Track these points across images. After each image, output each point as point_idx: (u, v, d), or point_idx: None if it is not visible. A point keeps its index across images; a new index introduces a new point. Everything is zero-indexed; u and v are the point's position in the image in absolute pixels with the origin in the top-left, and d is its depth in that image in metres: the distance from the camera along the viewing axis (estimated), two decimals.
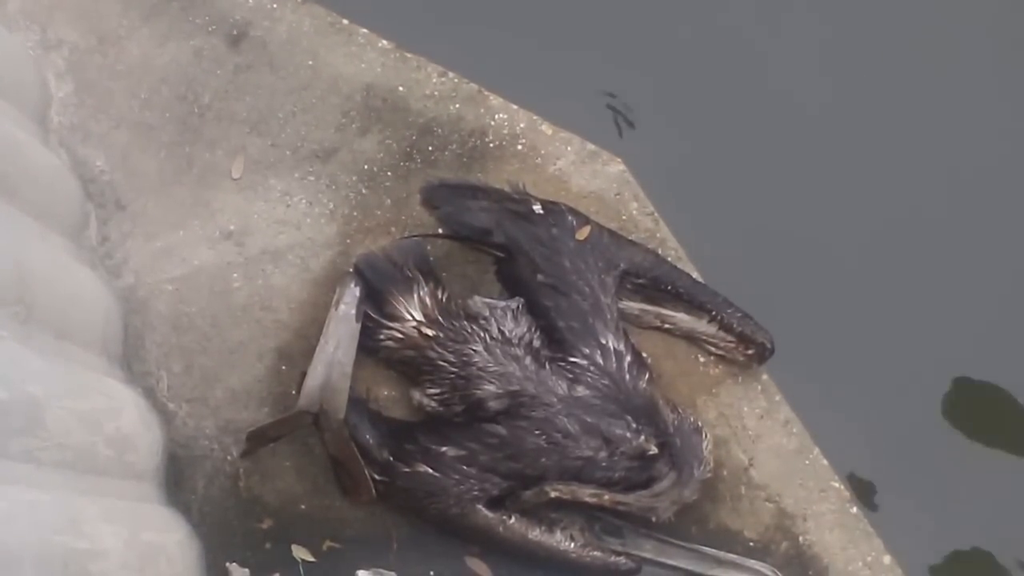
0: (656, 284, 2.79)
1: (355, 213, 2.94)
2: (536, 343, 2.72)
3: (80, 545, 2.28)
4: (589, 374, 2.66)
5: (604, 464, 2.61)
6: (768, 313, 2.75)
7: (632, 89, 3.20)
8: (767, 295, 2.84)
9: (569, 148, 2.96)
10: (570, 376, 2.66)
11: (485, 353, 2.69)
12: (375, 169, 2.96)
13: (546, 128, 2.97)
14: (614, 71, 3.21)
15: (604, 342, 2.68)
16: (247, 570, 2.72)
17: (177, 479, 2.82)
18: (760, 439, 2.77)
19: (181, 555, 2.66)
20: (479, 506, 2.66)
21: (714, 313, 2.77)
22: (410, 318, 2.77)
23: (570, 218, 2.79)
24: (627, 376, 2.66)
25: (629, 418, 2.62)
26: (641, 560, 2.68)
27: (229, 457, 2.83)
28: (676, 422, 2.64)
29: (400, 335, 2.77)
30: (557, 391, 2.64)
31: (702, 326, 2.79)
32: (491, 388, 2.66)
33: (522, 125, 2.97)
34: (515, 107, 2.98)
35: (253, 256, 2.93)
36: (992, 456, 2.99)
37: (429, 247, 2.87)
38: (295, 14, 3.08)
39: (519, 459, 2.63)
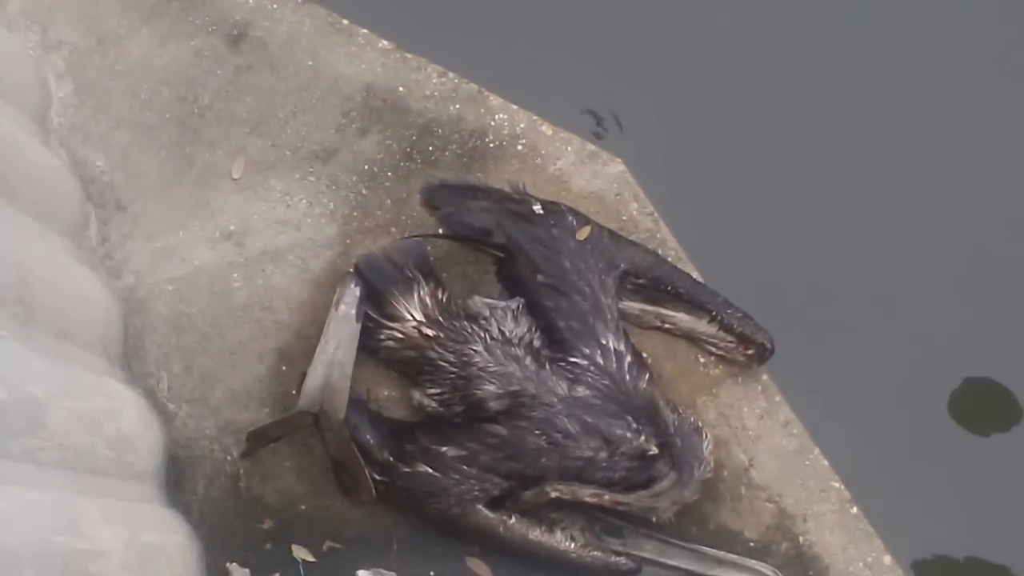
0: (656, 284, 2.79)
1: (355, 213, 2.94)
2: (536, 343, 2.72)
3: (80, 545, 2.28)
4: (589, 374, 2.66)
5: (604, 464, 2.61)
6: (768, 313, 2.75)
7: (632, 89, 3.20)
8: (767, 295, 2.84)
9: (569, 148, 2.96)
10: (570, 376, 2.66)
11: (485, 353, 2.69)
12: (375, 169, 2.96)
13: (546, 128, 2.97)
14: (614, 71, 3.21)
15: (604, 342, 2.68)
16: (247, 570, 2.72)
17: (177, 480, 2.82)
18: (760, 439, 2.77)
19: (181, 555, 2.66)
20: (479, 506, 2.66)
21: (714, 313, 2.77)
22: (410, 318, 2.77)
23: (570, 218, 2.79)
24: (627, 376, 2.66)
25: (629, 418, 2.62)
26: (641, 560, 2.68)
27: (229, 458, 2.83)
28: (676, 422, 2.64)
29: (400, 335, 2.77)
30: (557, 391, 2.64)
31: (702, 326, 2.79)
32: (491, 388, 2.66)
33: (522, 125, 2.97)
34: (515, 107, 2.98)
35: (253, 256, 2.93)
36: (993, 456, 2.98)
37: (429, 247, 2.87)
38: (295, 14, 3.08)
39: (519, 459, 2.63)
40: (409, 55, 3.04)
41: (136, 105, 3.04)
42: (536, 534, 2.67)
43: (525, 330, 2.73)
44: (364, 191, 2.95)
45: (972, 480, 2.92)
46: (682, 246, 2.89)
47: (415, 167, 2.95)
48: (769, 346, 2.75)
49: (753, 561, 2.68)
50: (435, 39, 3.08)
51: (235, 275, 2.92)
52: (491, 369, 2.68)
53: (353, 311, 2.78)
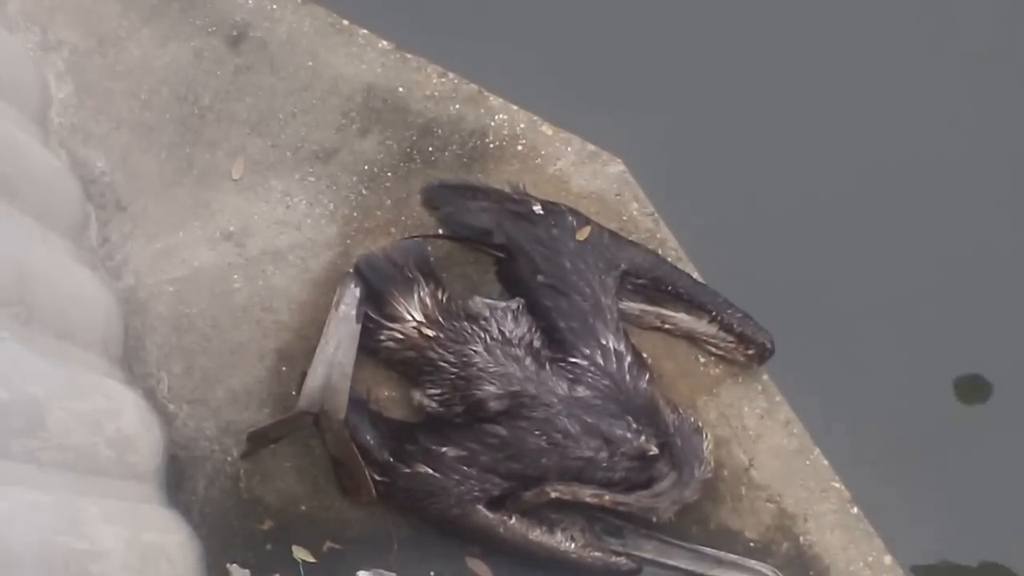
0: (656, 284, 2.79)
1: (355, 214, 2.94)
2: (536, 343, 2.72)
3: (81, 546, 2.28)
4: (589, 374, 2.66)
5: (604, 464, 2.61)
6: (768, 313, 2.75)
7: (632, 89, 3.20)
8: (767, 295, 2.84)
9: (569, 148, 2.96)
10: (570, 376, 2.66)
11: (485, 354, 2.69)
12: (375, 170, 2.96)
13: (546, 128, 2.97)
14: (614, 72, 3.21)
15: (604, 342, 2.68)
16: (248, 571, 2.72)
17: (178, 480, 2.82)
18: (761, 439, 2.77)
19: (182, 556, 2.66)
20: (479, 507, 2.66)
21: (714, 313, 2.77)
22: (410, 319, 2.77)
23: (570, 218, 2.79)
24: (627, 376, 2.66)
25: (630, 418, 2.62)
26: (642, 560, 2.68)
27: (230, 458, 2.83)
28: (676, 422, 2.64)
29: (400, 336, 2.77)
30: (557, 391, 2.64)
31: (702, 326, 2.79)
32: (491, 389, 2.66)
33: (522, 125, 2.97)
34: (515, 107, 2.98)
35: (253, 257, 2.93)
36: (993, 456, 2.98)
37: (429, 247, 2.87)
38: (295, 15, 3.08)
39: (519, 459, 2.63)
40: (409, 55, 3.04)
41: (136, 106, 3.04)
42: (536, 534, 2.67)
43: (525, 330, 2.73)
44: (364, 191, 2.95)
45: (972, 480, 2.92)
46: (682, 246, 2.89)
47: (415, 167, 2.95)
48: (769, 346, 2.75)
49: (753, 561, 2.68)
50: (435, 39, 3.09)
51: (235, 276, 2.92)
52: (491, 369, 2.68)
53: (353, 311, 2.78)
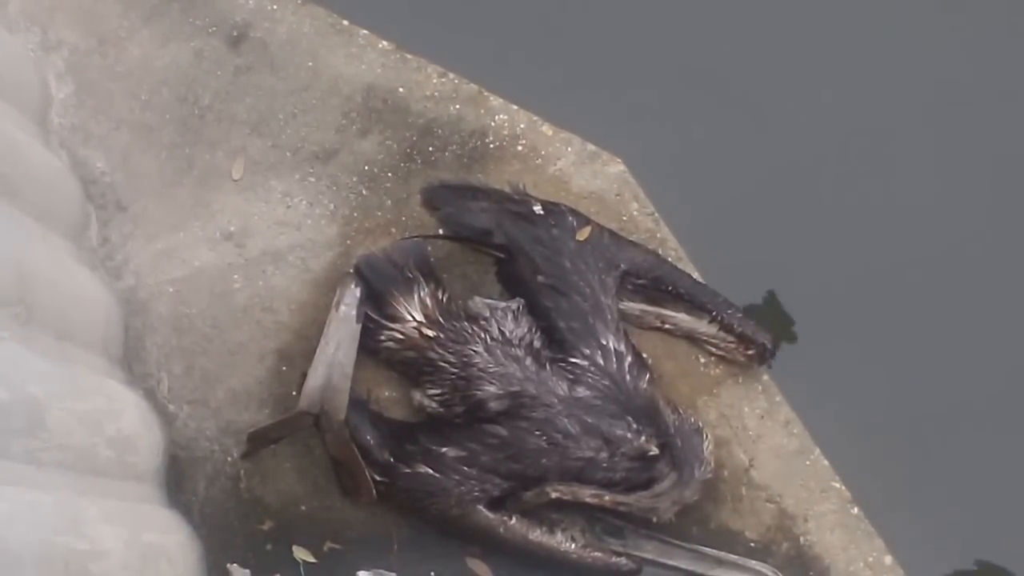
0: (657, 284, 2.79)
1: (355, 214, 2.94)
2: (536, 344, 2.72)
3: (81, 546, 2.28)
4: (590, 375, 2.66)
5: (605, 465, 2.61)
6: (768, 313, 2.76)
7: (633, 89, 3.20)
8: (767, 295, 2.84)
9: (569, 148, 2.96)
10: (571, 377, 2.66)
11: (485, 354, 2.69)
12: (375, 170, 2.96)
13: (546, 129, 2.97)
14: (614, 71, 3.21)
15: (605, 343, 2.68)
16: (248, 571, 2.72)
17: (178, 480, 2.82)
18: (761, 439, 2.77)
19: (182, 556, 2.66)
20: (480, 507, 2.66)
21: (715, 313, 2.77)
22: (411, 319, 2.77)
23: (571, 219, 2.79)
24: (628, 377, 2.66)
25: (630, 419, 2.62)
26: (642, 561, 2.68)
27: (230, 458, 2.83)
28: (677, 423, 2.64)
29: (401, 336, 2.77)
30: (558, 392, 2.64)
31: (703, 326, 2.79)
32: (492, 389, 2.66)
33: (522, 126, 2.97)
34: (515, 108, 2.98)
35: (254, 257, 2.93)
36: (993, 455, 2.98)
37: (430, 248, 2.87)
38: (295, 15, 3.08)
39: (520, 460, 2.63)
40: (409, 56, 3.04)
41: (136, 106, 3.04)
42: (537, 535, 2.67)
43: (525, 331, 2.73)
44: (364, 192, 2.95)
45: (973, 480, 2.92)
46: (682, 246, 2.89)
47: (415, 168, 2.95)
48: (769, 346, 2.75)
49: (754, 561, 2.68)
50: (435, 40, 3.08)
51: (235, 276, 2.92)
52: (491, 370, 2.68)
53: (353, 312, 2.78)
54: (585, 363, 2.67)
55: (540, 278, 2.76)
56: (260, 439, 2.79)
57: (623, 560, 2.67)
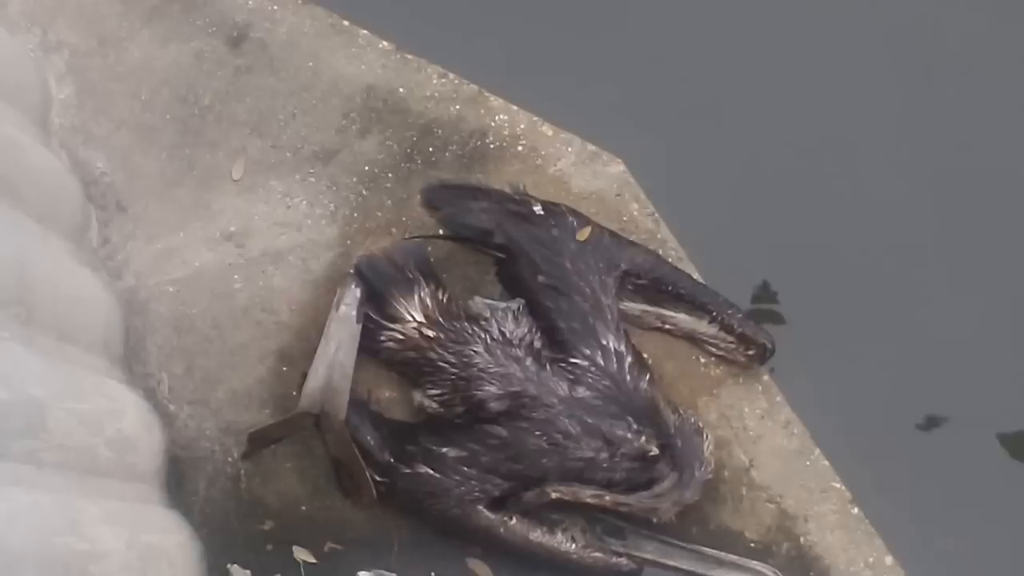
0: (657, 285, 2.79)
1: (356, 214, 2.94)
2: (537, 344, 2.72)
3: (81, 547, 2.28)
4: (590, 375, 2.66)
5: (605, 465, 2.61)
6: (768, 314, 2.75)
7: (633, 90, 3.20)
8: (767, 296, 2.84)
9: (570, 149, 2.96)
10: (571, 377, 2.66)
11: (486, 354, 2.69)
12: (376, 170, 2.96)
13: (547, 129, 2.97)
14: (615, 72, 3.21)
15: (605, 343, 2.68)
16: (248, 572, 2.72)
17: (178, 481, 2.82)
18: (761, 440, 2.77)
19: (182, 557, 2.66)
20: (480, 507, 2.66)
21: (715, 314, 2.77)
22: (411, 319, 2.77)
23: (571, 219, 2.79)
24: (628, 377, 2.66)
25: (630, 419, 2.62)
26: (642, 561, 2.68)
27: (230, 459, 2.83)
28: (677, 423, 2.64)
29: (401, 336, 2.77)
30: (558, 392, 2.64)
31: (703, 327, 2.79)
32: (492, 389, 2.66)
33: (523, 126, 2.97)
34: (515, 108, 2.98)
35: (254, 258, 2.93)
36: (994, 455, 2.98)
37: (430, 248, 2.87)
38: (296, 16, 3.08)
39: (520, 460, 2.63)
40: (410, 56, 3.04)
41: (137, 106, 3.04)
42: (537, 535, 2.67)
43: (526, 331, 2.73)
44: (364, 192, 2.95)
45: (973, 480, 2.92)
46: (683, 247, 2.89)
47: (415, 168, 2.95)
48: (770, 346, 2.75)
49: (754, 562, 2.68)
50: (436, 40, 3.08)
51: (236, 276, 2.92)
52: (492, 370, 2.68)
53: (354, 312, 2.78)
54: (585, 363, 2.67)
55: (540, 278, 2.76)
56: (260, 439, 2.79)
57: (624, 560, 2.67)
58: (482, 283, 2.87)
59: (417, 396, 2.78)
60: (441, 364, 2.72)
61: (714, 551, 2.69)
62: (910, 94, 3.18)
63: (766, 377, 2.81)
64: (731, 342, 2.77)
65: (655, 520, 2.66)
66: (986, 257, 3.04)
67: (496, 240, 2.83)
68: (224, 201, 2.97)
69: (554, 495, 2.62)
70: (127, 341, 2.89)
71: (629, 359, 2.68)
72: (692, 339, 2.81)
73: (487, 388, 2.67)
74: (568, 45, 3.22)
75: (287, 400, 2.82)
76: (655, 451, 2.60)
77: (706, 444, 2.65)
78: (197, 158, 3.00)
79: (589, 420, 2.62)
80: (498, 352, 2.69)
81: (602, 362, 2.67)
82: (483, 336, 2.72)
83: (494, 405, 2.66)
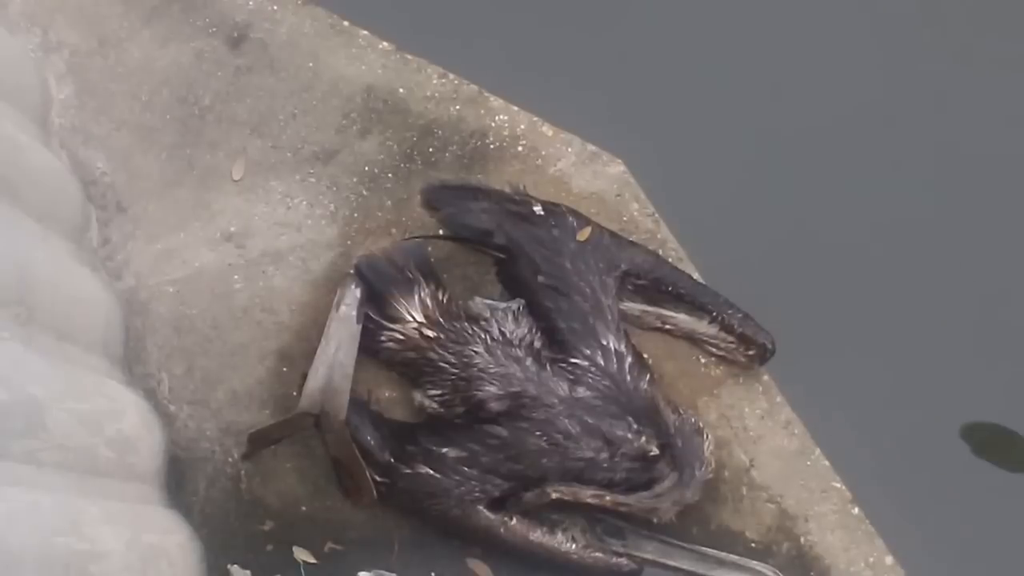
0: (657, 285, 2.79)
1: (356, 215, 2.94)
2: (537, 344, 2.72)
3: (81, 547, 2.28)
4: (590, 375, 2.66)
5: (605, 465, 2.61)
6: (768, 314, 2.75)
7: (633, 90, 3.20)
8: (768, 296, 2.83)
9: (570, 149, 2.96)
10: (571, 377, 2.66)
11: (486, 354, 2.69)
12: (376, 171, 2.96)
13: (547, 129, 2.97)
14: (615, 72, 3.21)
15: (605, 343, 2.68)
16: (248, 572, 2.72)
17: (178, 481, 2.82)
18: (761, 440, 2.77)
19: (182, 557, 2.66)
20: (480, 507, 2.66)
21: (715, 314, 2.77)
22: (411, 319, 2.77)
23: (571, 219, 2.79)
24: (628, 377, 2.66)
25: (630, 419, 2.62)
26: (643, 561, 2.68)
27: (230, 459, 2.83)
28: (677, 423, 2.64)
29: (401, 336, 2.77)
30: (558, 392, 2.64)
31: (703, 327, 2.79)
32: (492, 389, 2.66)
33: (523, 126, 2.97)
34: (516, 108, 2.98)
35: (254, 258, 2.93)
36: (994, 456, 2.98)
37: (430, 248, 2.87)
38: (296, 16, 3.08)
39: (520, 460, 2.63)
40: (410, 56, 3.04)
41: (137, 107, 3.04)
42: (537, 535, 2.67)
43: (526, 331, 2.73)
44: (365, 192, 2.95)
45: (973, 479, 2.92)
46: (683, 247, 2.89)
47: (416, 168, 2.96)
48: (770, 346, 2.75)
49: (754, 562, 2.68)
50: (436, 40, 3.09)
51: (236, 276, 2.92)
52: (492, 370, 2.68)
53: (354, 312, 2.78)
54: (586, 363, 2.67)
55: (540, 279, 2.76)
56: (261, 440, 2.79)
57: (624, 561, 2.67)
58: (482, 283, 2.87)
59: (417, 396, 2.78)
60: (441, 364, 2.72)
61: (714, 551, 2.69)
62: (911, 96, 3.18)
63: (766, 377, 2.81)
64: (731, 342, 2.77)
65: (655, 520, 2.66)
66: (987, 257, 3.04)
67: (496, 240, 2.83)
68: (224, 201, 2.97)
69: (554, 495, 2.61)
70: (127, 341, 2.89)
71: (629, 359, 2.68)
72: (692, 339, 2.81)
73: (487, 388, 2.67)
74: (568, 45, 3.23)
75: (287, 400, 2.82)
76: (655, 451, 2.60)
77: (706, 444, 2.65)
78: (197, 158, 3.00)
79: (589, 420, 2.62)
80: (498, 352, 2.69)
81: (602, 362, 2.67)
82: (483, 336, 2.72)
83: (494, 405, 2.66)
